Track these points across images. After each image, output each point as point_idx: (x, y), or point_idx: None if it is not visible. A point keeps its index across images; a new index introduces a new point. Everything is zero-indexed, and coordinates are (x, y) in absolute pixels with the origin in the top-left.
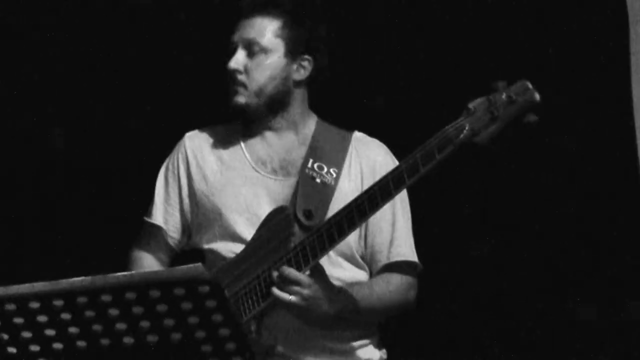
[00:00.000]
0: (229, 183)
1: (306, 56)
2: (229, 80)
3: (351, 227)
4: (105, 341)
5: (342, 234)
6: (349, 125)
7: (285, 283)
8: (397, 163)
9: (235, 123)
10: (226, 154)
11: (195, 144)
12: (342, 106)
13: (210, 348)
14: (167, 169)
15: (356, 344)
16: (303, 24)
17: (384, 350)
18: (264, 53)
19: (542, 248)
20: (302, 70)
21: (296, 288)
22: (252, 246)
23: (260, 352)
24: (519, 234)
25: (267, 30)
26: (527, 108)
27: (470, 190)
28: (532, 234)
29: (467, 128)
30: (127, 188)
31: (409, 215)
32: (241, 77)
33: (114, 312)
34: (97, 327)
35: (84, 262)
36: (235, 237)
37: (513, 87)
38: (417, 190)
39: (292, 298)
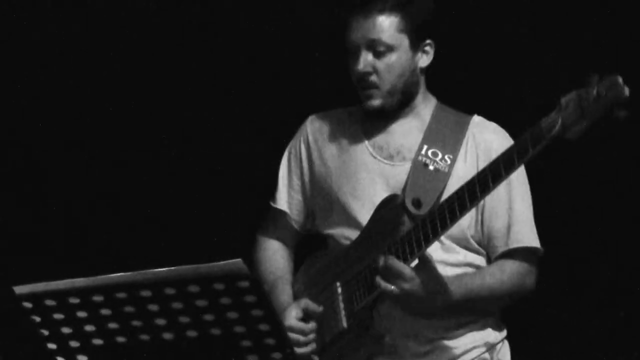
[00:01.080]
0: (346, 168)
1: (428, 41)
2: (359, 82)
3: (453, 220)
4: (144, 337)
5: (445, 226)
6: (468, 108)
7: (389, 274)
8: None
9: (357, 107)
10: (345, 138)
11: (317, 127)
12: (461, 90)
13: (250, 343)
14: (289, 152)
15: (471, 326)
16: (420, 11)
17: (502, 332)
18: (390, 51)
19: None
20: (426, 56)
21: (398, 280)
22: (365, 234)
23: (370, 342)
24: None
25: (389, 27)
26: (616, 103)
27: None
28: None
29: (559, 123)
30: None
31: (529, 198)
32: (373, 79)
33: (153, 307)
34: (136, 323)
35: (122, 258)
36: (351, 223)
37: (603, 81)
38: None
39: (394, 289)
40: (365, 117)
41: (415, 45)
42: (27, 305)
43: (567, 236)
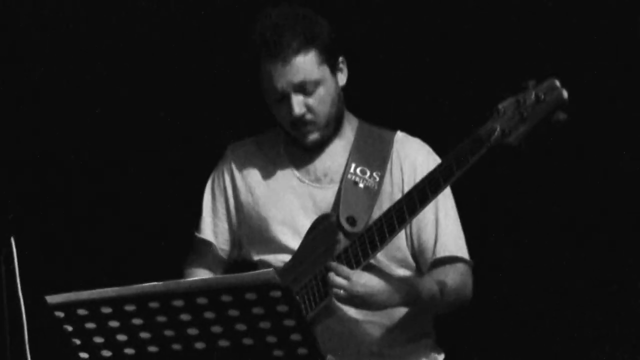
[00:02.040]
0: (273, 194)
1: (340, 58)
2: (293, 125)
3: (392, 233)
4: (176, 346)
5: (384, 240)
6: (389, 123)
7: (336, 280)
8: (438, 162)
9: (277, 131)
10: (269, 164)
11: (239, 155)
12: (379, 106)
13: (282, 353)
14: (213, 181)
15: (410, 347)
16: (326, 34)
17: (442, 356)
18: (318, 85)
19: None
20: (342, 73)
21: (346, 284)
22: (299, 256)
23: None
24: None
25: (311, 65)
26: (555, 107)
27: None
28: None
29: (497, 130)
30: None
31: (455, 211)
32: (308, 117)
33: (185, 317)
34: (168, 332)
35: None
36: (282, 248)
37: (541, 86)
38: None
39: (343, 293)
40: (287, 140)
41: (334, 69)
42: (60, 314)
43: (500, 247)
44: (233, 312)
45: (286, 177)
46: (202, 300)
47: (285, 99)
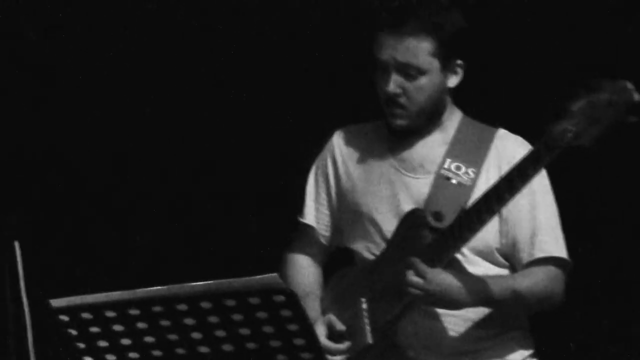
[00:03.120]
0: (371, 182)
1: (459, 61)
2: (387, 102)
3: (474, 232)
4: (180, 350)
5: (467, 237)
6: (493, 120)
7: (414, 279)
8: None
9: (382, 121)
10: (370, 152)
11: (343, 141)
12: (486, 102)
13: (286, 357)
14: (317, 167)
15: (496, 341)
16: (452, 32)
17: (529, 351)
18: (421, 74)
19: None
20: (455, 76)
21: (424, 283)
22: (388, 249)
23: (395, 357)
24: None
25: (421, 51)
26: (626, 109)
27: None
28: None
29: (572, 130)
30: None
31: (554, 207)
32: (401, 100)
33: (189, 321)
34: (172, 337)
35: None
36: (375, 237)
37: (612, 87)
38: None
39: (418, 292)
40: (389, 131)
41: (446, 67)
42: (64, 318)
43: (599, 245)
44: (237, 317)
45: (384, 166)
46: (206, 305)
47: (386, 74)
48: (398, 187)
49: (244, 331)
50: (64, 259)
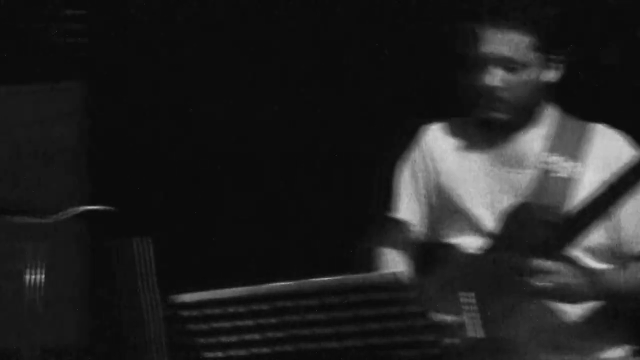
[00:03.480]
0: (468, 177)
1: (559, 57)
2: (485, 95)
3: (593, 222)
4: (308, 345)
5: (582, 231)
6: (591, 117)
7: (538, 273)
8: None
9: (465, 119)
10: (464, 147)
11: (432, 137)
12: (585, 98)
13: (412, 353)
14: (407, 163)
15: (599, 338)
16: (554, 27)
17: (636, 347)
18: (522, 69)
19: None
20: (555, 72)
21: (546, 277)
22: (497, 243)
23: (505, 352)
24: None
25: (523, 46)
26: None
27: None
28: None
29: None
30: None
31: None
32: (502, 94)
33: (317, 316)
34: (301, 332)
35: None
36: (477, 231)
37: None
38: None
39: (547, 284)
40: (483, 126)
41: (545, 62)
42: (187, 313)
43: None
44: (364, 312)
45: (481, 160)
46: (334, 299)
47: (486, 67)
48: (498, 182)
49: (371, 326)
50: (191, 256)
